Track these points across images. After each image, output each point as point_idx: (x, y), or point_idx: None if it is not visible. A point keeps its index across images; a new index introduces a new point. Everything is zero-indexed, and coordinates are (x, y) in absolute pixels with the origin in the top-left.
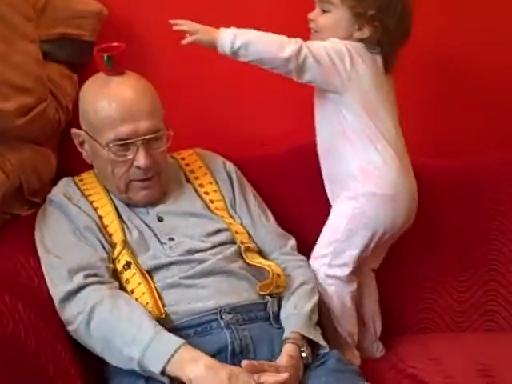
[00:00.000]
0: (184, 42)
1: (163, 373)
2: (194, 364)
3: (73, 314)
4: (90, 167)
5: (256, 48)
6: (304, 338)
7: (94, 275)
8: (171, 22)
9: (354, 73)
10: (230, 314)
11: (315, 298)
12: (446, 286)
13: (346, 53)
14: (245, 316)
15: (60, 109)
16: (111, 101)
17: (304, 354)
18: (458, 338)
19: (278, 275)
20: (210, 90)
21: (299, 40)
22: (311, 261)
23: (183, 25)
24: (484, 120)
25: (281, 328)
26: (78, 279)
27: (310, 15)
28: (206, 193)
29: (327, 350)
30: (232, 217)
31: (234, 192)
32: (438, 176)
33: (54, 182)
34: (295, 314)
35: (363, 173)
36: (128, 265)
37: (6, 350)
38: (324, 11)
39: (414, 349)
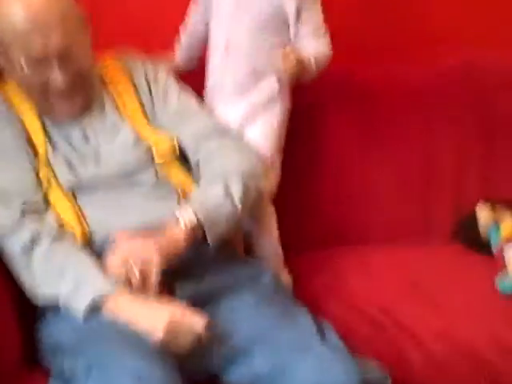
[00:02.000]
0: None
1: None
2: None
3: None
4: None
5: None
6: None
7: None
8: None
9: None
10: None
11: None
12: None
13: None
14: None
15: None
16: (17, 11)
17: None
18: (394, 251)
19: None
20: None
21: None
22: None
23: None
24: None
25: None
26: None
27: None
28: (119, 94)
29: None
30: (151, 124)
31: (151, 94)
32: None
33: None
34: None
35: None
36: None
37: None
38: None
39: (353, 262)
